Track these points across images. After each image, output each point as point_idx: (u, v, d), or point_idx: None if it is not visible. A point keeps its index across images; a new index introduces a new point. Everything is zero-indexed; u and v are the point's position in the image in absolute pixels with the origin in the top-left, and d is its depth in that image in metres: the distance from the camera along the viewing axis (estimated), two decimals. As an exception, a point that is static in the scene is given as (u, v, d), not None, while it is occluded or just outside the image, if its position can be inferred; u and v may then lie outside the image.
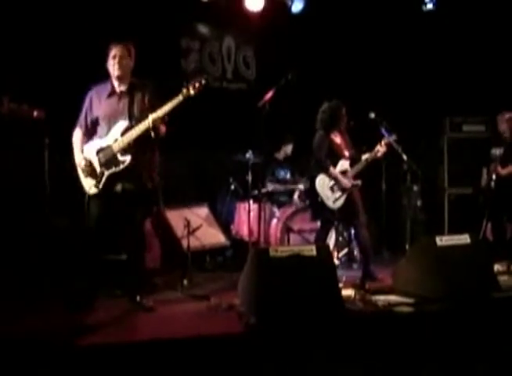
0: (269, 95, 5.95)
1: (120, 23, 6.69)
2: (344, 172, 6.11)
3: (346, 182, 6.04)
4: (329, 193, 6.06)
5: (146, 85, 4.93)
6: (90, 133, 4.92)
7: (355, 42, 8.28)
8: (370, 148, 6.15)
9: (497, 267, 6.01)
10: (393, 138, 6.16)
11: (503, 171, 6.85)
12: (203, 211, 7.17)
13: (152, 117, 4.63)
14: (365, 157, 6.14)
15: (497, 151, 7.02)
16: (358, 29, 8.25)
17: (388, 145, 6.15)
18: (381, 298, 5.05)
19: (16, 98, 5.29)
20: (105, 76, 4.93)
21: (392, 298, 5.06)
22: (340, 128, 6.22)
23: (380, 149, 6.12)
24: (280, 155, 7.96)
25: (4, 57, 6.04)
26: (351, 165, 6.17)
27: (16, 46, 6.23)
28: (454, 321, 4.46)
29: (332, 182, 6.06)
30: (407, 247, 6.65)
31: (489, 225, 7.10)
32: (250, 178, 6.66)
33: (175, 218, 6.74)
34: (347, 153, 6.21)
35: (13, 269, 5.38)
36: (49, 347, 3.73)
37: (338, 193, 6.06)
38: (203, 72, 8.12)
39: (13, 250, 5.51)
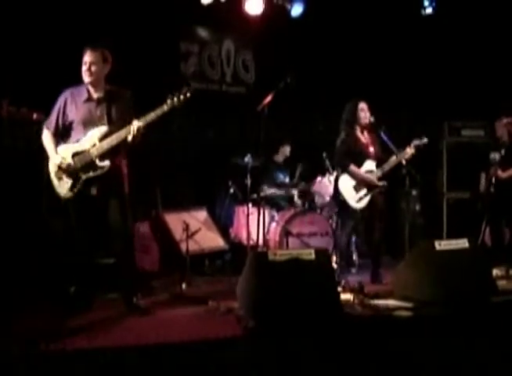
0: (268, 98, 5.95)
1: (120, 27, 6.70)
2: (369, 172, 6.13)
3: (368, 177, 6.05)
4: (353, 192, 6.07)
5: (125, 93, 4.93)
6: (61, 136, 4.88)
7: (354, 46, 8.30)
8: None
9: (496, 271, 6.02)
10: (424, 141, 6.17)
11: (504, 175, 6.86)
12: (202, 214, 7.17)
13: (137, 123, 4.64)
14: (393, 158, 6.13)
15: (496, 155, 7.02)
16: (358, 33, 8.27)
17: (417, 147, 6.15)
18: (380, 303, 5.05)
19: (16, 101, 5.29)
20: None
21: (391, 302, 5.07)
22: (363, 126, 6.20)
23: (409, 151, 6.11)
24: (279, 158, 7.96)
25: (3, 60, 6.03)
26: (378, 166, 6.18)
27: (15, 49, 6.23)
28: (453, 325, 4.46)
29: (355, 182, 6.07)
30: (406, 251, 6.64)
31: (488, 230, 7.11)
32: (249, 181, 6.66)
33: (174, 221, 6.73)
34: (373, 153, 6.21)
35: (10, 270, 5.36)
36: (45, 350, 3.73)
37: (363, 192, 6.06)
38: (202, 75, 8.14)
39: (10, 251, 5.49)
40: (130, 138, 4.69)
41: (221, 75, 8.44)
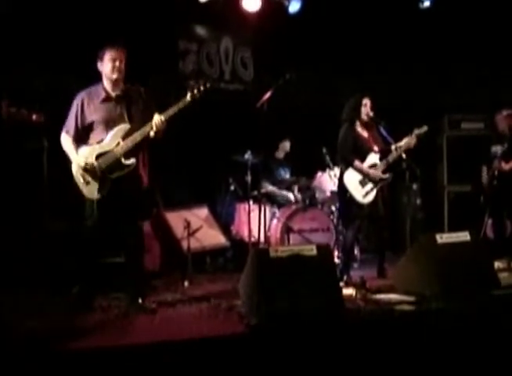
0: (267, 95, 5.95)
1: (118, 26, 6.69)
2: (373, 166, 6.11)
3: (373, 172, 6.04)
4: (359, 187, 6.04)
5: (140, 91, 4.92)
6: (80, 139, 4.82)
7: (352, 41, 8.28)
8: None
9: (497, 264, 6.01)
10: (424, 130, 6.16)
11: (507, 166, 6.85)
12: (203, 212, 7.17)
13: (159, 117, 4.64)
14: (393, 147, 6.11)
15: (497, 149, 7.02)
16: (356, 28, 8.25)
17: (418, 136, 6.13)
18: (382, 297, 5.06)
19: (15, 102, 5.29)
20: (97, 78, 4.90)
21: (393, 296, 5.08)
22: (364, 121, 6.18)
23: (411, 140, 6.09)
24: (280, 154, 7.96)
25: (2, 61, 6.04)
26: (381, 159, 6.17)
27: (14, 50, 6.23)
28: (455, 319, 4.46)
29: (361, 176, 6.06)
30: (407, 245, 6.64)
31: (489, 223, 7.11)
32: (249, 178, 6.66)
33: (175, 219, 6.73)
34: (376, 147, 6.20)
35: (12, 270, 5.37)
36: (49, 349, 3.73)
37: (369, 187, 6.04)
38: (201, 73, 8.14)
39: (12, 251, 5.51)
40: (153, 133, 4.69)
41: (219, 73, 8.43)
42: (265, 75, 8.03)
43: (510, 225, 7.25)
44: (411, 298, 4.93)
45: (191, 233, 6.34)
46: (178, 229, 6.57)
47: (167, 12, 7.35)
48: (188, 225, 6.30)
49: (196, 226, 6.60)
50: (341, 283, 5.48)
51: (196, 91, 4.74)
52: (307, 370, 3.84)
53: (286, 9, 8.02)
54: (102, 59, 4.80)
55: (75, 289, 4.90)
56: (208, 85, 4.76)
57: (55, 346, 3.81)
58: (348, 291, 5.16)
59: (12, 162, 5.80)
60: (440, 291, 4.84)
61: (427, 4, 8.26)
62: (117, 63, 4.77)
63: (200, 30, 8.25)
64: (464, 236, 5.21)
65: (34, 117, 5.21)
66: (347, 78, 8.11)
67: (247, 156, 6.74)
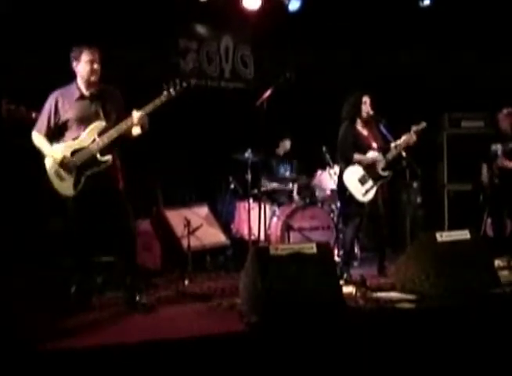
0: (267, 93, 5.95)
1: (118, 25, 6.70)
2: (372, 163, 6.11)
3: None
4: (358, 185, 6.03)
5: (116, 92, 4.94)
6: (53, 137, 4.82)
7: (352, 40, 8.28)
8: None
9: (497, 262, 6.01)
10: (422, 126, 6.15)
11: (510, 164, 6.85)
12: (203, 210, 7.17)
13: (138, 113, 4.65)
14: (393, 144, 6.09)
15: (498, 147, 7.02)
16: (356, 26, 8.25)
17: (417, 133, 6.12)
18: (382, 295, 5.06)
19: (15, 100, 5.29)
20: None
21: (393, 294, 5.08)
22: (364, 119, 6.17)
23: (410, 137, 6.08)
24: (280, 151, 7.97)
25: (2, 60, 6.04)
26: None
27: (14, 49, 6.23)
28: (455, 317, 4.47)
29: (361, 174, 6.04)
30: (407, 243, 6.64)
31: (489, 221, 7.11)
32: (249, 176, 6.67)
33: (175, 218, 6.73)
34: (375, 145, 6.18)
35: (10, 269, 5.37)
36: (47, 348, 3.74)
37: (369, 184, 6.03)
38: (201, 72, 8.15)
39: (10, 250, 5.51)
40: (135, 130, 4.70)
41: (219, 71, 8.44)
42: (265, 73, 8.03)
43: (510, 223, 7.25)
44: (411, 296, 4.93)
45: (191, 232, 6.34)
46: (179, 227, 6.57)
47: (168, 10, 7.35)
48: (188, 223, 6.30)
49: (197, 225, 6.60)
50: (341, 282, 5.48)
51: (171, 90, 4.73)
52: (307, 368, 3.84)
53: (286, 7, 8.02)
54: (78, 59, 4.78)
55: (73, 288, 4.90)
56: (185, 85, 4.74)
57: (52, 345, 3.81)
58: (348, 289, 5.16)
59: (11, 160, 5.80)
60: (440, 289, 4.84)
61: (426, 2, 8.27)
62: (95, 66, 4.78)
63: (200, 29, 8.25)
64: (464, 234, 5.21)
65: (33, 115, 5.20)
66: (346, 76, 8.10)
67: (247, 154, 6.74)
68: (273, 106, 6.06)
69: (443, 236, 5.11)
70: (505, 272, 5.83)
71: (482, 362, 4.07)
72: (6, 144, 5.72)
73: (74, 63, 4.81)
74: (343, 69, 8.24)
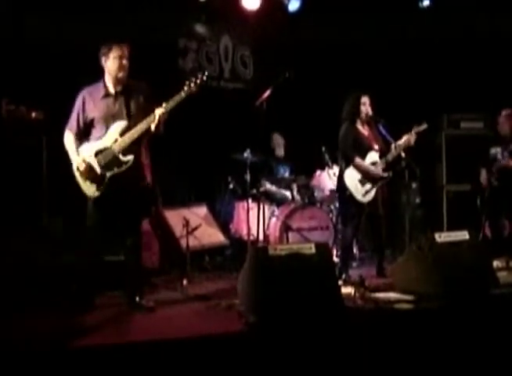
0: (267, 93, 5.95)
1: (118, 24, 6.69)
2: (373, 164, 6.10)
3: (373, 169, 6.04)
4: (358, 186, 6.03)
5: (141, 86, 4.92)
6: (83, 135, 4.84)
7: (352, 40, 8.28)
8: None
9: (496, 263, 6.01)
10: (423, 127, 6.15)
11: None
12: (202, 210, 7.17)
13: (159, 111, 4.63)
14: (393, 145, 6.10)
15: (497, 150, 7.02)
16: (355, 26, 8.26)
17: (418, 133, 6.11)
18: (381, 296, 5.06)
19: (16, 100, 5.29)
20: (97, 76, 4.89)
21: (392, 295, 5.07)
22: (364, 119, 6.17)
23: (411, 137, 6.08)
24: (278, 151, 7.96)
25: (2, 60, 6.04)
26: (381, 157, 6.15)
27: (14, 49, 6.23)
28: (454, 317, 4.47)
29: (361, 175, 6.05)
30: (406, 244, 6.64)
31: (488, 222, 7.12)
32: (248, 177, 6.67)
33: (174, 217, 6.73)
34: (376, 146, 6.18)
35: (11, 269, 5.36)
36: (48, 348, 3.73)
37: (368, 186, 6.04)
38: (200, 71, 8.14)
39: (11, 250, 5.50)
40: (153, 127, 4.69)
41: (219, 71, 8.45)
42: (264, 74, 8.03)
43: (508, 224, 7.25)
44: (410, 297, 4.92)
45: (190, 232, 6.33)
46: (177, 227, 6.56)
47: (168, 10, 7.35)
48: (187, 223, 6.30)
49: (195, 225, 6.59)
50: (340, 282, 5.48)
51: (192, 84, 4.72)
52: (306, 368, 3.84)
53: (285, 7, 8.03)
54: (107, 55, 4.77)
55: (74, 287, 4.90)
56: (205, 77, 4.73)
57: (54, 345, 3.81)
58: (347, 290, 5.15)
59: (11, 160, 5.80)
60: (439, 289, 4.84)
61: (426, 3, 8.27)
62: (124, 61, 4.77)
63: (200, 29, 8.25)
64: (463, 235, 5.21)
65: (33, 114, 5.21)
66: (345, 76, 8.10)
67: (246, 154, 6.74)
68: (273, 106, 6.06)
69: (442, 237, 5.11)
70: (504, 273, 5.82)
71: (481, 362, 4.07)
72: (6, 144, 5.71)
73: (103, 60, 4.80)
74: (343, 69, 8.23)
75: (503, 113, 7.06)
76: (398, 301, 4.87)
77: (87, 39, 6.37)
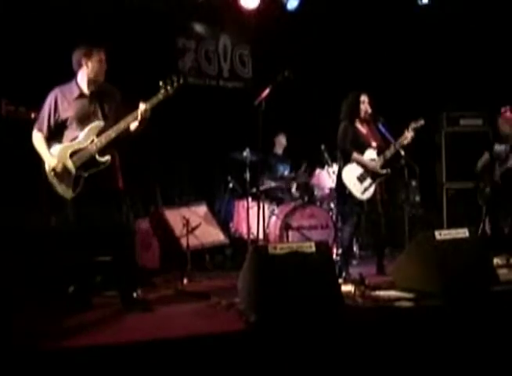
0: (266, 92, 5.95)
1: (117, 24, 6.69)
2: (372, 161, 6.09)
3: (372, 163, 6.03)
4: (357, 183, 6.03)
5: (113, 90, 4.91)
6: (52, 136, 4.80)
7: (350, 38, 8.29)
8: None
9: (496, 261, 6.02)
10: (421, 123, 6.14)
11: None
12: (202, 209, 7.17)
13: (143, 106, 4.61)
14: (394, 144, 6.10)
15: (502, 147, 7.01)
16: (354, 25, 8.26)
17: (416, 130, 6.12)
18: (381, 294, 5.06)
19: (15, 100, 5.29)
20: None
21: (392, 293, 5.07)
22: (363, 118, 6.17)
23: (408, 135, 6.08)
24: (278, 150, 7.96)
25: (1, 60, 6.03)
26: (379, 154, 6.14)
27: (14, 49, 6.23)
28: (454, 315, 4.47)
29: (359, 172, 6.04)
30: (406, 242, 6.65)
31: (488, 220, 7.12)
32: (248, 176, 6.67)
33: (174, 217, 6.73)
34: (374, 144, 6.18)
35: (9, 269, 5.36)
36: (46, 348, 3.73)
37: (367, 182, 6.04)
38: (199, 71, 8.15)
39: (10, 250, 5.50)
40: (133, 127, 4.68)
41: (218, 70, 8.46)
42: (263, 73, 8.03)
43: (509, 222, 7.24)
44: (410, 295, 4.92)
45: (190, 231, 6.34)
46: (177, 226, 6.57)
47: (166, 10, 7.35)
48: (187, 222, 6.31)
49: (195, 224, 6.59)
50: (340, 280, 5.49)
51: (169, 87, 4.71)
52: (306, 367, 3.84)
53: (284, 6, 8.03)
54: (89, 57, 4.74)
55: (71, 288, 4.90)
56: (181, 82, 4.72)
57: (51, 345, 3.80)
58: (347, 288, 5.16)
59: (10, 160, 5.80)
60: (439, 287, 4.84)
61: (425, 1, 8.28)
62: (104, 65, 4.79)
63: (199, 28, 8.26)
64: (463, 232, 5.20)
65: (32, 115, 5.20)
66: (344, 75, 8.10)
67: (246, 153, 6.75)
68: (272, 105, 6.05)
69: (442, 235, 5.10)
70: (504, 271, 5.83)
71: (482, 360, 4.07)
72: (6, 145, 5.71)
73: (83, 61, 4.76)
74: (341, 67, 8.23)
75: (503, 110, 7.05)
76: (399, 299, 4.87)
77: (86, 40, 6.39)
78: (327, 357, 3.93)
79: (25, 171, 5.67)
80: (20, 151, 5.78)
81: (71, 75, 4.87)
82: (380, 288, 5.24)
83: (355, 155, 6.03)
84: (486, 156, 7.14)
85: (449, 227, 6.27)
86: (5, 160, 5.75)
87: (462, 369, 4.03)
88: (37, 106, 5.14)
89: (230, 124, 7.78)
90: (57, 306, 4.82)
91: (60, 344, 3.83)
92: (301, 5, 8.02)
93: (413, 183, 8.18)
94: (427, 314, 4.57)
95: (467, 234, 5.20)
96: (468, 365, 4.04)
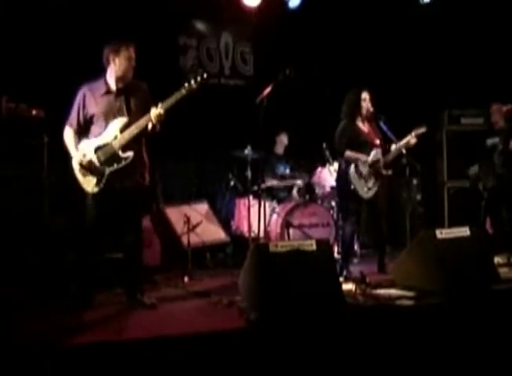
0: (267, 90, 5.94)
1: (118, 22, 6.69)
2: (375, 162, 6.09)
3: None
4: (362, 181, 6.04)
5: (141, 86, 4.93)
6: (82, 131, 4.85)
7: (352, 37, 8.28)
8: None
9: (497, 259, 6.02)
10: (422, 130, 6.14)
11: None
12: (203, 207, 7.18)
13: (156, 110, 4.63)
14: (394, 146, 6.11)
15: (495, 141, 7.00)
16: (356, 23, 8.26)
17: (418, 136, 6.12)
18: (382, 292, 5.07)
19: (16, 97, 5.28)
20: (98, 74, 4.88)
21: (393, 291, 5.08)
22: (365, 116, 6.16)
23: (411, 140, 6.09)
24: (279, 149, 7.96)
25: (2, 57, 6.03)
26: (382, 154, 6.14)
27: (14, 47, 6.23)
28: (455, 314, 4.47)
29: (364, 172, 6.04)
30: (407, 240, 6.65)
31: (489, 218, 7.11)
32: (249, 174, 6.67)
33: (175, 214, 6.74)
34: (377, 142, 6.17)
35: (11, 268, 5.37)
36: (49, 346, 3.74)
37: (372, 182, 6.04)
38: (201, 69, 8.14)
39: (12, 248, 5.51)
40: (150, 126, 4.70)
41: (219, 68, 8.45)
42: (265, 70, 8.02)
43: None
44: (411, 293, 4.93)
45: (191, 229, 6.35)
46: (178, 224, 6.58)
47: (167, 7, 7.35)
48: (188, 220, 6.31)
49: (196, 222, 6.60)
50: (341, 279, 5.49)
51: (192, 81, 4.70)
52: (307, 364, 3.84)
53: (285, 4, 8.03)
54: (117, 54, 4.76)
55: (73, 285, 4.91)
56: (205, 76, 4.72)
57: (54, 343, 3.81)
58: (348, 286, 5.16)
59: (12, 158, 5.80)
60: (440, 285, 4.85)
61: (426, 0, 8.27)
62: (133, 62, 4.81)
63: (200, 26, 8.25)
64: (464, 231, 5.21)
65: (33, 112, 5.20)
66: (344, 71, 8.09)
67: (247, 151, 6.74)
68: (273, 103, 6.05)
69: (443, 233, 5.11)
70: (505, 269, 5.83)
71: (482, 358, 4.07)
72: (7, 142, 5.71)
73: (111, 57, 4.78)
74: (343, 65, 8.22)
75: (493, 107, 7.05)
76: (399, 297, 4.88)
77: (87, 37, 6.40)
78: (328, 355, 3.94)
79: (26, 169, 5.68)
80: (21, 149, 5.79)
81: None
82: (380, 286, 5.25)
83: (348, 153, 6.03)
84: (475, 167, 7.15)
85: (450, 226, 6.28)
86: (6, 158, 5.75)
87: (463, 367, 4.03)
88: (38, 104, 5.16)
89: (231, 121, 7.77)
90: (58, 305, 4.82)
91: (63, 342, 3.83)
92: (302, 2, 8.01)
93: (414, 182, 8.17)
94: (427, 312, 4.58)
95: (468, 233, 5.21)
96: (469, 363, 4.04)
